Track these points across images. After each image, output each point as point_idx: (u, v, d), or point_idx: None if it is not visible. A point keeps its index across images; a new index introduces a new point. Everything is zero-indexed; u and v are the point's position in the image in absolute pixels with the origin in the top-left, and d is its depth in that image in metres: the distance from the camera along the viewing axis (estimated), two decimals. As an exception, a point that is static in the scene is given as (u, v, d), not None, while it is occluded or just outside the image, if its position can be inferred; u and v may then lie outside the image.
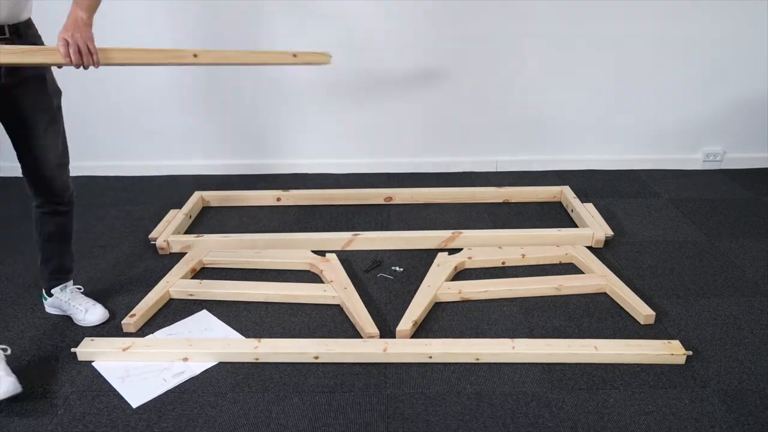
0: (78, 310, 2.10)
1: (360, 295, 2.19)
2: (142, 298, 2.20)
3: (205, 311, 2.19)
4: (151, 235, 2.64)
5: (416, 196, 3.03)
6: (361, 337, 2.03)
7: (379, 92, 3.22)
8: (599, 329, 2.07)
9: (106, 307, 2.15)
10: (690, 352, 1.90)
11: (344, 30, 3.06)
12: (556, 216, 2.89)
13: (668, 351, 1.89)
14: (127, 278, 2.40)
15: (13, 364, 1.92)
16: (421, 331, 2.07)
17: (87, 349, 1.94)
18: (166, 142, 3.36)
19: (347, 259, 2.50)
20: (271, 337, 2.03)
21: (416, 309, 2.11)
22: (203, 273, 2.44)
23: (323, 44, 3.07)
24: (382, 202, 3.02)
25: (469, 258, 2.44)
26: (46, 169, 1.89)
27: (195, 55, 1.87)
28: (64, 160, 1.94)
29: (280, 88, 3.21)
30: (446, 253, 2.49)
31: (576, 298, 2.24)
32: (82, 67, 1.68)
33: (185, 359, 1.93)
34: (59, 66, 1.75)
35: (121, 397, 1.79)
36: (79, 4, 1.69)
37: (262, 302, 2.24)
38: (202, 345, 1.95)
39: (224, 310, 2.19)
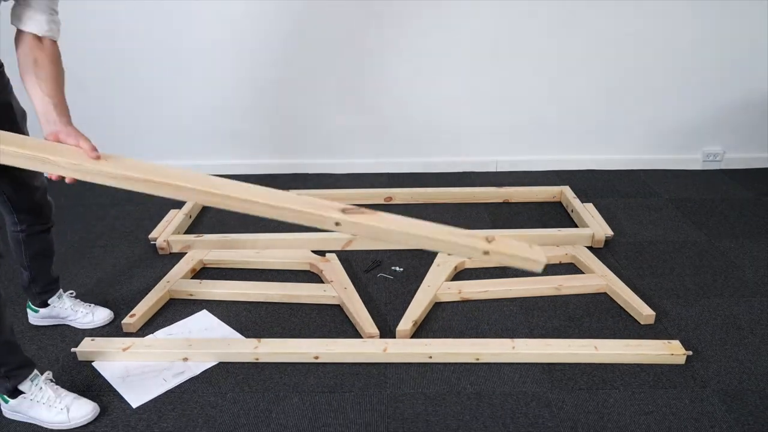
0: (84, 314, 2.08)
1: (360, 295, 2.19)
2: (142, 298, 2.20)
3: (205, 311, 2.19)
4: (151, 235, 2.64)
5: (416, 196, 3.03)
6: (361, 337, 2.03)
7: (379, 92, 3.22)
8: (599, 329, 2.07)
9: (106, 307, 2.15)
10: (690, 352, 1.90)
11: (344, 30, 3.06)
12: (556, 216, 2.89)
13: (668, 351, 1.89)
14: (127, 278, 2.40)
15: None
16: (421, 331, 2.07)
17: (87, 349, 1.94)
18: (166, 142, 3.36)
19: (347, 259, 2.49)
20: (271, 337, 2.03)
21: (416, 309, 2.11)
22: (203, 273, 2.44)
23: (323, 44, 3.08)
24: (382, 202, 3.02)
25: (469, 258, 2.44)
26: (35, 196, 1.83)
27: (337, 224, 1.53)
28: (45, 181, 1.84)
29: (280, 89, 3.20)
30: (446, 253, 2.49)
31: (576, 298, 2.24)
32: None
33: (185, 359, 1.93)
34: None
35: (121, 397, 1.79)
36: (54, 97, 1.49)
37: (262, 302, 2.23)
38: (202, 345, 1.95)
39: (224, 310, 2.19)
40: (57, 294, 2.08)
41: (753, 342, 2.00)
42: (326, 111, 3.27)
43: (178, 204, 2.93)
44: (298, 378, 1.86)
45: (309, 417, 1.72)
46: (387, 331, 2.06)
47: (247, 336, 2.05)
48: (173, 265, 2.41)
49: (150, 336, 2.06)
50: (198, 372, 1.89)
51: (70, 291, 2.14)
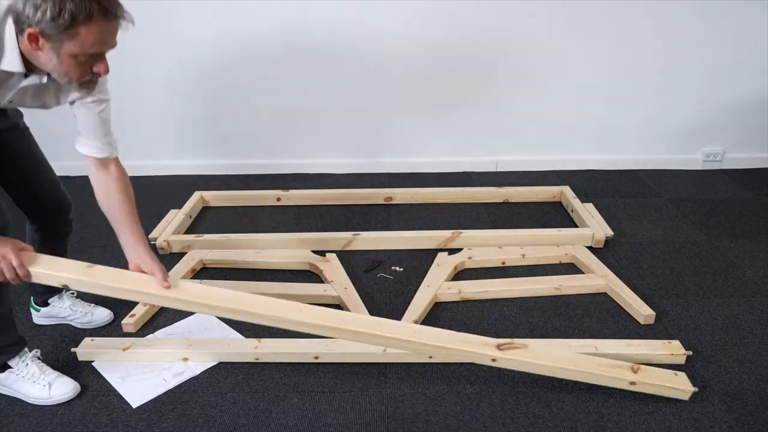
0: (83, 314, 2.08)
1: (360, 295, 2.19)
2: (142, 298, 2.20)
3: (205, 311, 2.19)
4: (151, 235, 2.63)
5: (416, 196, 3.03)
6: (361, 337, 2.03)
7: (380, 92, 3.22)
8: (599, 329, 2.07)
9: (105, 308, 2.15)
10: (690, 352, 1.90)
11: (344, 30, 3.06)
12: (556, 216, 2.89)
13: (668, 351, 1.89)
14: (127, 278, 2.40)
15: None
16: (421, 331, 2.07)
17: (87, 349, 1.94)
18: (166, 142, 3.36)
19: (347, 259, 2.49)
20: (271, 337, 2.03)
21: (416, 309, 2.11)
22: (203, 273, 2.44)
23: (324, 42, 3.08)
24: (382, 202, 3.02)
25: (469, 258, 2.44)
26: (46, 204, 1.87)
27: (493, 360, 1.69)
28: (58, 183, 1.91)
29: (280, 89, 3.20)
30: (446, 253, 2.49)
31: (576, 298, 2.24)
32: None
33: (185, 359, 1.93)
34: None
35: (121, 397, 1.79)
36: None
37: (262, 302, 2.23)
38: (202, 345, 1.95)
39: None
40: (58, 294, 2.08)
41: (753, 342, 2.00)
42: (326, 111, 3.27)
43: (178, 204, 2.93)
44: (298, 378, 1.86)
45: (309, 417, 1.72)
46: (387, 331, 2.06)
47: (247, 336, 2.05)
48: (173, 265, 2.40)
49: (150, 336, 2.05)
50: (198, 372, 1.89)
51: (71, 291, 2.14)
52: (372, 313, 2.10)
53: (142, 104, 3.24)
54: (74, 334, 2.06)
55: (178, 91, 3.21)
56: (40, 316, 2.10)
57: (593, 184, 3.23)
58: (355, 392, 1.81)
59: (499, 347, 1.70)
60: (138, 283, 1.63)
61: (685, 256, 2.53)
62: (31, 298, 2.10)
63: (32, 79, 1.46)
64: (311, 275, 2.42)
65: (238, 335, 2.06)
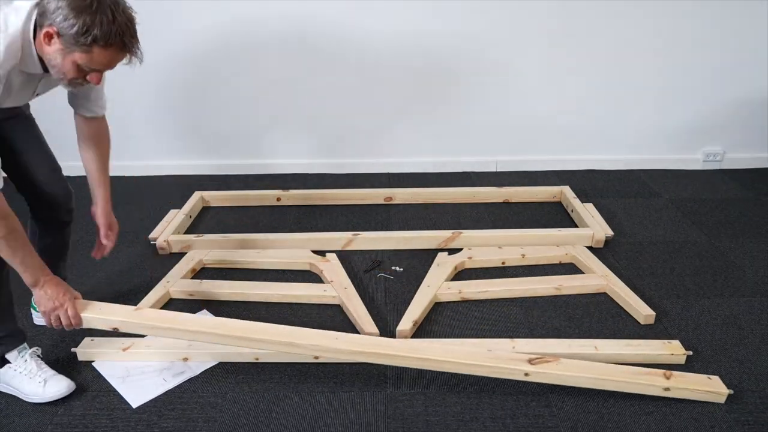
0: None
1: (360, 295, 2.19)
2: (142, 298, 2.20)
3: (205, 311, 2.19)
4: (151, 235, 2.64)
5: (416, 196, 3.03)
6: (361, 337, 2.03)
7: (379, 92, 3.22)
8: (599, 329, 2.07)
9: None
10: (690, 352, 1.90)
11: (344, 30, 3.06)
12: (556, 216, 2.89)
13: (668, 351, 1.89)
14: (127, 278, 2.40)
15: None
16: (421, 331, 2.07)
17: (87, 349, 1.94)
18: (166, 142, 3.36)
19: (347, 259, 2.49)
20: (271, 337, 2.03)
21: (416, 309, 2.11)
22: (203, 273, 2.44)
23: (324, 42, 3.08)
24: (382, 202, 3.02)
25: (469, 258, 2.44)
26: (44, 188, 1.88)
27: (526, 374, 1.74)
28: (57, 168, 1.93)
29: (280, 88, 3.21)
30: (446, 253, 2.49)
31: (576, 298, 2.24)
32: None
33: (185, 359, 1.93)
34: None
35: (121, 397, 1.79)
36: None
37: (262, 302, 2.23)
38: (202, 345, 1.95)
39: (224, 310, 2.19)
40: None
41: (753, 342, 2.00)
42: (326, 111, 3.27)
43: (178, 204, 2.93)
44: (298, 378, 1.86)
45: (309, 417, 1.72)
46: (387, 331, 2.06)
47: (247, 336, 2.05)
48: (173, 265, 2.40)
49: (150, 336, 2.05)
50: (198, 372, 1.89)
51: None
52: (372, 313, 2.11)
53: (142, 104, 3.24)
54: (74, 334, 2.05)
55: (179, 91, 3.21)
56: (39, 317, 2.10)
57: (593, 184, 3.23)
58: (355, 392, 1.81)
59: (531, 362, 1.74)
60: (186, 323, 1.74)
61: (685, 256, 2.53)
62: (32, 298, 2.09)
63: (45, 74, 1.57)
64: (311, 275, 2.42)
65: (238, 335, 2.06)
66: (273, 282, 2.33)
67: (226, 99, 3.24)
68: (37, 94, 1.71)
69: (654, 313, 2.09)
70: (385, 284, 2.35)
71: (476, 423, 1.69)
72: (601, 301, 2.22)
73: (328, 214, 2.93)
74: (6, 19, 1.43)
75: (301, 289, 2.25)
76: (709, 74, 3.18)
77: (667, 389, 1.73)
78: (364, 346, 1.74)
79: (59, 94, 1.77)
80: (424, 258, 2.48)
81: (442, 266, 2.38)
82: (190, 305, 2.22)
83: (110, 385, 1.84)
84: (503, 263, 2.46)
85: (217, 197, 3.03)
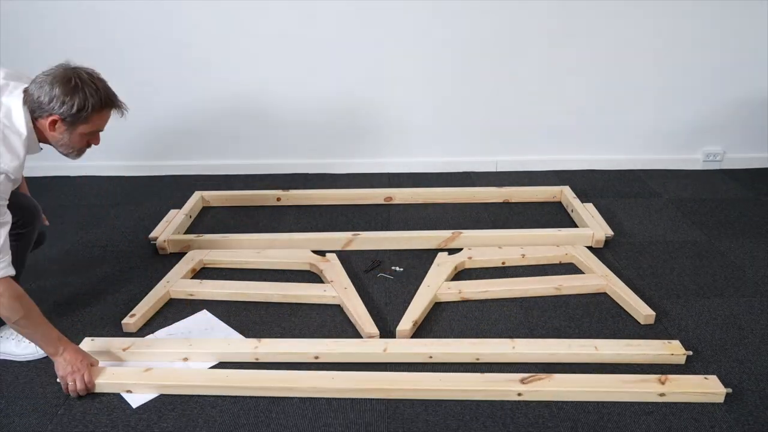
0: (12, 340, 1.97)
1: (360, 295, 2.19)
2: (142, 298, 2.20)
3: (205, 311, 2.19)
4: (151, 235, 2.64)
5: (416, 196, 3.03)
6: (361, 337, 2.03)
7: (379, 92, 3.22)
8: (599, 329, 2.07)
9: (105, 307, 2.14)
10: (690, 352, 1.90)
11: (344, 29, 3.06)
12: (556, 216, 2.89)
13: (668, 351, 1.89)
14: (127, 278, 2.40)
15: (12, 363, 1.92)
16: (421, 331, 2.07)
17: (87, 349, 1.93)
18: (166, 142, 3.36)
19: (347, 259, 2.50)
20: (271, 337, 2.03)
21: (416, 309, 2.11)
22: (203, 273, 2.44)
23: (324, 42, 3.08)
24: (382, 202, 3.02)
25: (469, 258, 2.44)
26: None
27: (519, 394, 1.76)
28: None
29: (280, 88, 3.21)
30: (446, 253, 2.49)
31: (576, 298, 2.24)
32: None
33: (185, 359, 1.93)
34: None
35: (121, 397, 1.79)
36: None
37: (262, 302, 2.23)
38: (202, 345, 1.95)
39: (224, 310, 2.19)
40: None
41: (753, 342, 2.00)
42: (326, 111, 3.27)
43: (178, 204, 2.93)
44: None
45: (309, 417, 1.72)
46: (387, 331, 2.06)
47: (247, 336, 2.05)
48: (173, 265, 2.40)
49: (150, 336, 2.05)
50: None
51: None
52: (372, 313, 2.11)
53: (142, 104, 3.23)
54: (74, 334, 2.05)
55: (178, 92, 3.21)
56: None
57: (593, 184, 3.23)
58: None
59: (523, 381, 1.76)
60: (192, 378, 1.81)
61: (685, 256, 2.53)
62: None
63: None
64: (311, 275, 2.42)
65: (238, 335, 2.06)
66: (273, 282, 2.33)
67: (226, 99, 3.23)
68: None
69: (654, 313, 2.09)
70: (385, 284, 2.35)
71: (476, 423, 1.69)
72: (601, 301, 2.22)
73: (328, 214, 2.93)
74: (8, 114, 1.65)
75: (301, 289, 2.25)
76: (709, 74, 3.18)
77: (662, 395, 1.73)
78: (359, 383, 1.79)
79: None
80: (424, 258, 2.48)
81: (442, 266, 2.38)
82: (190, 305, 2.22)
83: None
84: (503, 263, 2.46)
85: (217, 197, 3.03)
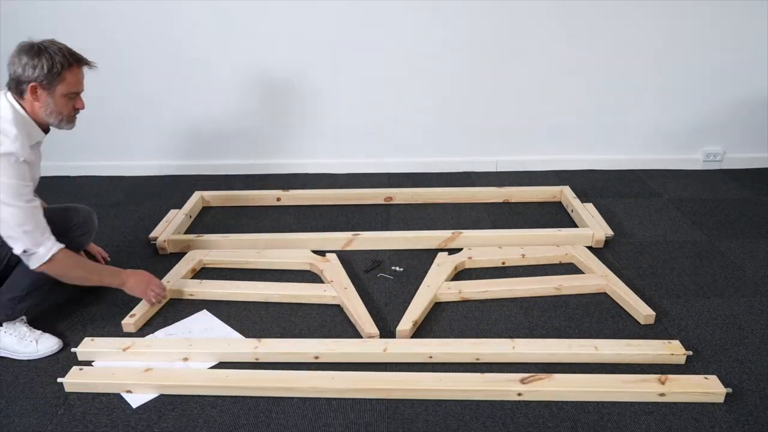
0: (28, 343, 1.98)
1: (360, 295, 2.19)
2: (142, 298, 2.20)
3: (205, 311, 2.19)
4: (151, 235, 2.64)
5: (416, 196, 3.03)
6: (361, 337, 2.03)
7: (379, 92, 3.22)
8: (599, 329, 2.07)
9: (105, 307, 2.14)
10: (690, 352, 1.90)
11: (344, 29, 3.06)
12: (556, 216, 2.89)
13: (668, 351, 1.89)
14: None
15: (13, 363, 1.92)
16: (421, 331, 2.07)
17: (87, 349, 1.93)
18: (166, 142, 3.36)
19: (347, 259, 2.49)
20: (271, 337, 2.03)
21: (416, 309, 2.11)
22: (203, 273, 2.44)
23: (323, 42, 3.08)
24: (382, 202, 3.02)
25: (469, 258, 2.44)
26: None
27: (519, 394, 1.76)
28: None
29: (280, 88, 3.21)
30: (446, 253, 2.49)
31: (576, 298, 2.23)
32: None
33: (185, 359, 1.93)
34: None
35: (121, 397, 1.79)
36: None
37: (262, 302, 2.23)
38: (202, 345, 1.95)
39: (224, 310, 2.19)
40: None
41: (753, 342, 2.00)
42: (326, 111, 3.27)
43: (178, 204, 2.93)
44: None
45: (309, 417, 1.72)
46: (387, 331, 2.06)
47: (247, 336, 2.05)
48: (173, 265, 2.40)
49: (150, 336, 2.05)
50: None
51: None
52: (372, 313, 2.11)
53: (142, 105, 3.24)
54: (74, 334, 2.06)
55: (178, 92, 3.21)
56: None
57: (593, 184, 3.23)
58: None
59: (523, 381, 1.77)
60: (191, 379, 1.82)
61: (685, 256, 2.53)
62: None
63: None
64: (311, 275, 2.42)
65: (238, 335, 2.06)
66: (273, 282, 2.33)
67: (226, 99, 3.23)
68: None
69: (654, 313, 2.09)
70: (385, 284, 2.35)
71: (476, 423, 1.69)
72: (601, 301, 2.22)
73: (328, 214, 2.93)
74: None
75: (301, 289, 2.25)
76: (709, 74, 3.18)
77: (662, 395, 1.73)
78: (358, 383, 1.79)
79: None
80: (424, 258, 2.48)
81: (442, 266, 2.38)
82: (190, 305, 2.22)
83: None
84: (503, 263, 2.46)
85: (217, 197, 3.03)
